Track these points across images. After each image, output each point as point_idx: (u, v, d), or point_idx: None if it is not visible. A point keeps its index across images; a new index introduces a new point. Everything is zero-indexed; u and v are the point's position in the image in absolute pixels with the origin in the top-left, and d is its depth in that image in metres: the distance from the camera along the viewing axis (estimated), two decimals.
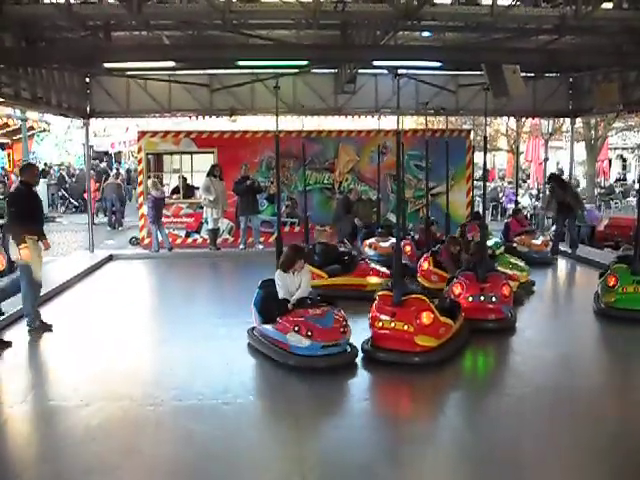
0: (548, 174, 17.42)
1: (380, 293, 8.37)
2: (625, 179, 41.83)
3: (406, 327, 7.77)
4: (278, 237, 10.12)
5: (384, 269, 11.28)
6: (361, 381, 7.43)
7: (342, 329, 7.66)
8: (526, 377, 7.68)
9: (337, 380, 7.38)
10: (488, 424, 6.40)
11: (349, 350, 7.80)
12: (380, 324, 7.95)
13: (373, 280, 11.07)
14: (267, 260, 14.83)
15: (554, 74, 16.33)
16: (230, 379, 7.42)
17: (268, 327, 8.02)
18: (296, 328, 7.52)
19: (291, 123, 18.95)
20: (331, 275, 11.28)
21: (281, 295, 8.16)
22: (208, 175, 15.89)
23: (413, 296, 8.14)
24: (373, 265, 11.57)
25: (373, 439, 6.01)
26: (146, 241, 16.89)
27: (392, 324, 7.85)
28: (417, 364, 7.71)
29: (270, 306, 8.15)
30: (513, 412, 6.65)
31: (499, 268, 10.98)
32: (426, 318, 7.82)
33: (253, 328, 8.54)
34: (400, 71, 14.05)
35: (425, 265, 11.44)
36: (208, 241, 16.36)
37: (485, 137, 11.45)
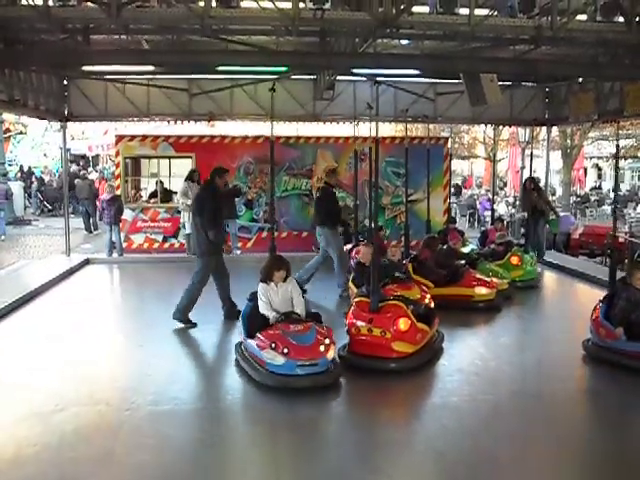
0: (524, 178, 17.54)
1: (357, 299, 8.38)
2: (600, 188, 42.37)
3: (383, 333, 7.80)
4: (272, 247, 9.32)
5: (489, 279, 11.18)
6: (338, 387, 7.44)
7: (323, 347, 7.15)
8: (501, 383, 7.76)
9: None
10: (463, 429, 6.45)
11: (331, 369, 7.26)
12: (357, 330, 7.96)
13: (482, 291, 10.93)
14: (244, 265, 14.90)
15: (531, 83, 16.52)
16: (207, 384, 7.45)
17: (250, 342, 7.59)
18: (272, 344, 7.11)
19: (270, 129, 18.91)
20: (437, 285, 10.84)
21: (261, 308, 7.73)
22: (186, 180, 15.86)
23: (390, 302, 8.18)
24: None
25: (348, 444, 6.04)
26: (123, 245, 16.81)
27: (369, 330, 7.87)
28: (393, 370, 7.74)
29: (255, 320, 7.74)
30: (488, 417, 6.72)
31: (478, 275, 11.15)
32: (403, 324, 7.84)
33: (241, 343, 8.09)
34: (379, 78, 14.21)
35: None
36: (185, 246, 16.31)
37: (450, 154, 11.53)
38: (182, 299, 9.98)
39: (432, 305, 9.39)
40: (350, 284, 10.42)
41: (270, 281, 7.85)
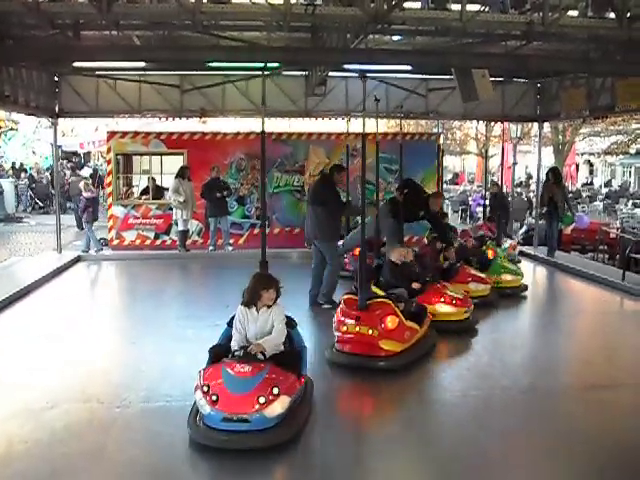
0: (547, 168, 17.53)
1: (345, 297, 8.34)
2: (592, 184, 42.47)
3: (370, 331, 7.73)
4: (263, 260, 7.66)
5: (460, 296, 9.80)
6: (325, 384, 7.39)
7: (263, 399, 5.60)
8: (492, 378, 7.77)
9: None
10: (456, 425, 6.46)
11: (272, 429, 5.68)
12: (345, 328, 7.89)
13: (443, 309, 9.49)
14: (236, 262, 14.90)
15: (522, 79, 16.54)
16: None
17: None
18: (205, 387, 5.76)
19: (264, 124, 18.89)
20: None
21: (234, 339, 6.35)
22: (177, 177, 15.85)
23: (378, 300, 8.14)
24: (447, 292, 9.71)
25: (338, 440, 6.04)
26: (115, 242, 16.78)
27: (357, 328, 7.80)
28: (382, 369, 7.69)
29: (220, 349, 6.45)
30: (480, 412, 6.73)
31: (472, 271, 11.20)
32: (391, 322, 7.79)
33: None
34: (376, 75, 14.24)
35: None
36: (177, 242, 16.29)
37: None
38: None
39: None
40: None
41: (253, 305, 6.40)
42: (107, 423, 6.33)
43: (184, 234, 16.17)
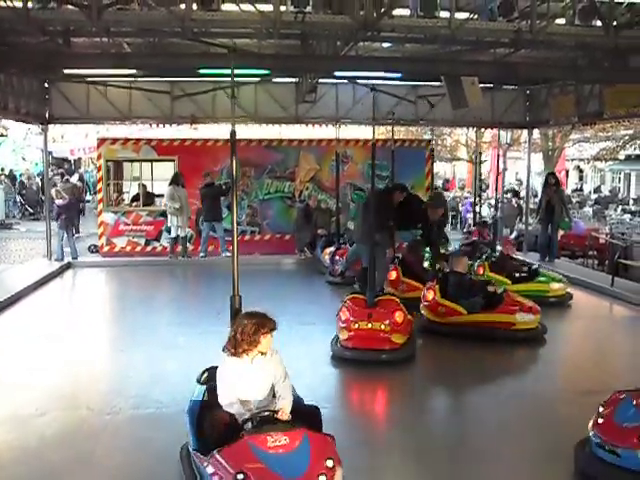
0: (546, 173, 17.60)
1: (350, 296, 8.90)
2: (582, 190, 42.60)
3: (383, 327, 8.34)
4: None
5: (533, 304, 9.69)
6: (332, 377, 7.43)
7: (324, 475, 4.39)
8: (487, 380, 7.81)
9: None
10: (449, 426, 6.49)
11: None
12: (357, 326, 8.38)
13: (524, 318, 9.42)
14: (227, 269, 14.83)
15: (512, 86, 16.63)
16: (188, 387, 7.35)
17: (203, 463, 4.69)
18: (240, 476, 4.28)
19: (253, 131, 18.91)
20: (471, 312, 9.51)
21: (222, 398, 5.03)
22: (171, 183, 15.83)
23: (384, 297, 8.89)
24: (520, 299, 9.75)
25: (351, 437, 6.05)
26: (105, 249, 16.75)
27: (369, 325, 8.36)
28: (394, 360, 8.25)
29: (212, 421, 5.08)
30: (471, 414, 6.77)
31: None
32: (399, 317, 8.46)
33: (188, 453, 5.14)
34: (360, 81, 14.31)
35: (393, 275, 11.49)
36: (169, 249, 16.24)
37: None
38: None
39: None
40: (442, 301, 9.65)
41: (245, 354, 5.04)
42: (97, 430, 6.34)
43: (184, 240, 16.13)
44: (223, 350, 5.11)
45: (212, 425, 5.00)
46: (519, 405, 7.10)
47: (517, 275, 11.93)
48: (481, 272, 11.73)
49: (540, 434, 6.18)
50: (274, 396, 5.08)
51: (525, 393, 7.51)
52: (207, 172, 16.18)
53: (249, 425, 4.73)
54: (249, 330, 4.96)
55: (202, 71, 13.14)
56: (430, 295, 9.74)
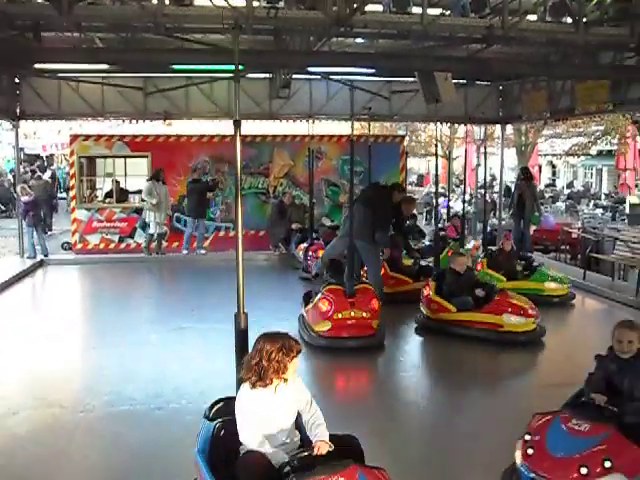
0: (520, 167, 17.74)
1: (328, 288, 9.01)
2: (555, 185, 42.99)
3: (364, 314, 8.75)
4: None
5: (528, 305, 9.40)
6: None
7: None
8: (456, 378, 7.85)
9: None
10: (420, 425, 6.53)
11: None
12: (339, 316, 8.65)
13: (512, 320, 9.11)
14: (202, 266, 14.90)
15: (485, 82, 16.72)
16: (162, 384, 7.38)
17: None
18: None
19: (230, 127, 18.85)
20: (460, 309, 9.42)
21: (251, 440, 4.19)
22: (151, 179, 15.76)
23: (361, 286, 9.19)
24: (515, 300, 9.43)
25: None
26: (78, 246, 16.61)
27: (352, 313, 8.68)
28: (375, 345, 8.71)
29: (247, 465, 4.09)
30: (444, 412, 6.81)
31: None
32: (375, 304, 8.93)
33: None
34: (334, 77, 14.31)
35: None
36: (143, 245, 16.14)
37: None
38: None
39: None
40: (436, 297, 9.67)
41: (271, 383, 4.30)
42: (70, 428, 6.31)
43: (160, 236, 16.05)
44: (241, 381, 4.39)
45: (245, 469, 4.06)
46: (483, 399, 7.17)
47: (516, 272, 11.79)
48: (479, 269, 11.69)
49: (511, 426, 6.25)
50: (298, 427, 4.42)
51: (493, 385, 7.60)
52: (195, 167, 16.19)
53: (288, 468, 3.95)
54: (276, 357, 4.23)
55: (176, 67, 13.08)
56: (426, 291, 9.84)
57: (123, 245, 16.82)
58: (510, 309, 9.14)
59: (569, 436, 4.62)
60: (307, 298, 9.41)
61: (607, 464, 4.36)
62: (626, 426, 4.64)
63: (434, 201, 27.09)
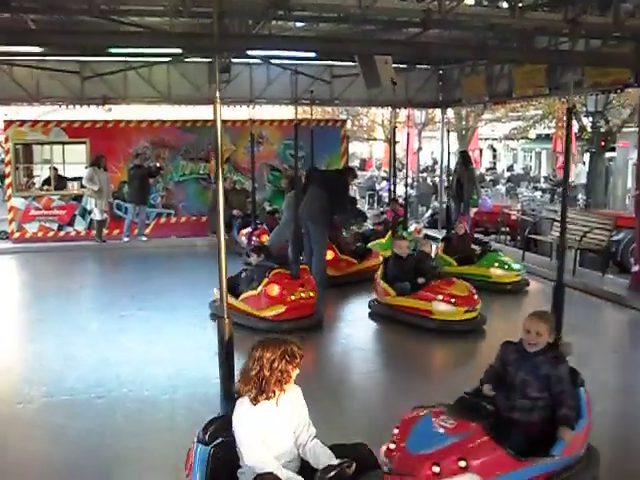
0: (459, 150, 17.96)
1: (273, 272, 8.95)
2: (495, 168, 43.65)
3: (312, 294, 9.05)
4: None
5: (465, 293, 9.13)
6: None
7: None
8: (400, 359, 7.94)
9: None
10: (358, 406, 6.59)
11: None
12: (292, 297, 8.81)
13: (440, 307, 8.95)
14: (142, 252, 14.73)
15: (425, 66, 16.85)
16: (103, 373, 7.29)
17: None
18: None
19: (171, 112, 18.55)
20: (399, 294, 9.35)
21: (259, 462, 3.63)
22: (92, 165, 15.47)
23: (301, 267, 9.32)
24: (449, 288, 9.11)
25: None
26: (16, 235, 16.21)
27: (302, 294, 8.91)
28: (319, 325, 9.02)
29: None
30: (385, 392, 6.88)
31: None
32: (313, 282, 9.27)
33: None
34: (274, 61, 14.26)
35: (330, 254, 11.61)
36: (95, 232, 15.88)
37: None
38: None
39: None
40: (381, 281, 9.63)
41: (272, 395, 3.78)
42: (8, 420, 6.20)
43: (101, 224, 15.80)
44: (236, 396, 3.89)
45: None
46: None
47: (471, 256, 11.63)
48: (427, 250, 10.53)
49: None
50: (298, 440, 3.87)
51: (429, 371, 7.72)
52: (137, 152, 15.95)
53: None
54: (279, 365, 3.73)
55: (113, 50, 12.82)
56: (376, 275, 9.87)
57: (62, 233, 16.47)
58: (441, 297, 8.91)
59: (432, 432, 4.45)
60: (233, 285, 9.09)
61: (462, 463, 4.21)
62: (512, 422, 4.60)
63: (377, 185, 27.51)
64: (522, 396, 4.66)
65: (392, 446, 4.46)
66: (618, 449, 5.62)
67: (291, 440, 3.82)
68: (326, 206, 10.76)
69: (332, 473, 3.49)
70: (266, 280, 8.93)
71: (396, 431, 4.56)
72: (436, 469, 4.17)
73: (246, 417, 3.71)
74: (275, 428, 3.76)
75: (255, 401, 3.73)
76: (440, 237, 13.08)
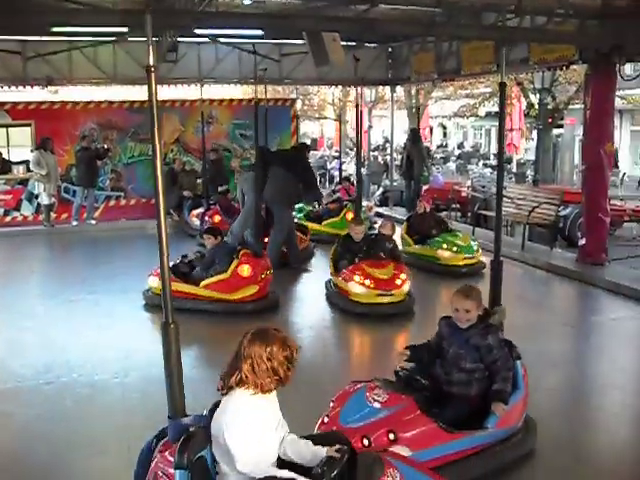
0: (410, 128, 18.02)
1: (242, 253, 8.93)
2: (446, 145, 44.03)
3: (269, 272, 9.06)
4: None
5: (387, 275, 8.78)
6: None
7: None
8: (354, 336, 7.96)
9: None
10: (316, 386, 6.61)
11: None
12: (262, 277, 8.84)
13: (355, 289, 8.73)
14: (92, 236, 14.49)
15: (374, 44, 16.81)
16: (51, 359, 7.16)
17: None
18: None
19: (118, 93, 18.24)
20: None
21: (254, 468, 3.32)
22: (38, 149, 15.12)
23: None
24: (371, 269, 8.80)
25: None
26: None
27: (268, 272, 9.00)
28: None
29: None
30: (338, 369, 6.90)
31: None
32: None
33: None
34: (222, 40, 14.08)
35: None
36: (43, 217, 15.56)
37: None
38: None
39: None
40: (330, 260, 9.53)
41: (268, 391, 3.48)
42: None
43: (49, 208, 15.49)
44: (223, 392, 3.52)
45: None
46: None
47: (430, 235, 11.24)
48: (387, 232, 9.81)
49: None
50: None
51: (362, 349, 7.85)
52: (84, 134, 15.62)
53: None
54: (286, 358, 3.47)
55: (56, 29, 12.50)
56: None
57: (9, 218, 16.10)
58: (358, 278, 8.65)
59: (365, 406, 4.47)
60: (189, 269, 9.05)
61: (391, 436, 4.26)
62: (451, 396, 4.69)
63: (328, 164, 27.50)
64: (458, 370, 4.77)
65: (326, 420, 4.53)
66: (561, 421, 5.66)
67: (278, 438, 3.52)
68: (292, 187, 10.74)
69: (336, 471, 3.23)
70: (236, 261, 8.80)
71: (331, 404, 4.64)
72: (365, 442, 4.23)
73: (247, 418, 3.37)
74: (270, 424, 3.48)
75: (264, 392, 3.43)
76: (391, 215, 13.08)
